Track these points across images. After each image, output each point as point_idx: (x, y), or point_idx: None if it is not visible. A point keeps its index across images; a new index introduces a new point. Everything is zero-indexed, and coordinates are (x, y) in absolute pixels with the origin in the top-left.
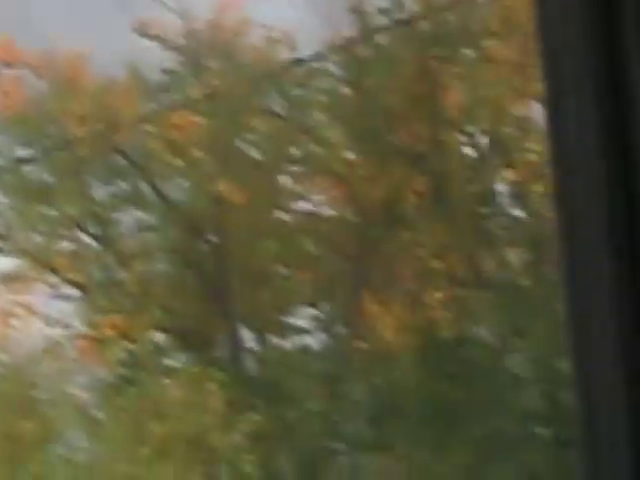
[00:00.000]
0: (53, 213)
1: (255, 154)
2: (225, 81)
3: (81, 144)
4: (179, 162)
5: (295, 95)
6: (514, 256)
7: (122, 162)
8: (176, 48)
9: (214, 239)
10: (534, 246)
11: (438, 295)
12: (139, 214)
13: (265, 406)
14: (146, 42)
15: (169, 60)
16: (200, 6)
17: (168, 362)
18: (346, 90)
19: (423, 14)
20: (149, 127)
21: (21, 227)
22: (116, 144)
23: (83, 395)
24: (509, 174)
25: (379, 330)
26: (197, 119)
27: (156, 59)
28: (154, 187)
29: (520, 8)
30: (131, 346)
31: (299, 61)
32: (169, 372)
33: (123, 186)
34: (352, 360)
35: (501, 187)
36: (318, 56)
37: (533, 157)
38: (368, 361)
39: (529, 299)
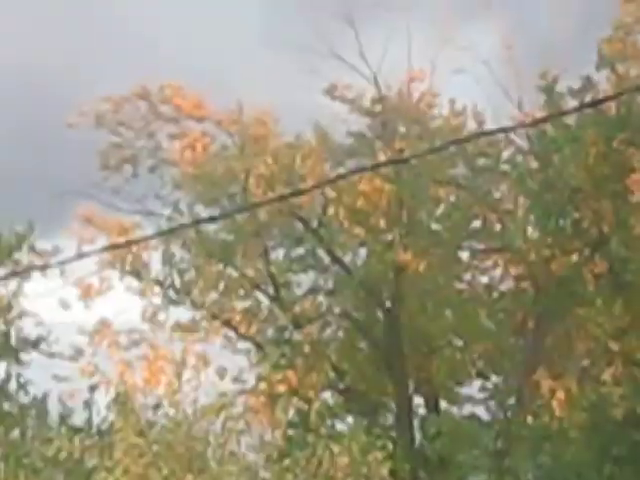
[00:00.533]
0: (232, 272)
1: (437, 225)
2: (413, 148)
3: (263, 206)
4: (360, 230)
5: (481, 165)
6: None
7: (301, 227)
8: (366, 112)
9: (390, 306)
10: None
11: (612, 373)
12: (315, 278)
13: (429, 477)
14: (335, 105)
15: (357, 124)
16: (389, 75)
17: (338, 426)
18: (533, 164)
19: (613, 96)
20: (332, 192)
21: (201, 283)
22: (296, 208)
23: (250, 454)
24: None
25: (551, 405)
26: (382, 186)
27: (344, 123)
28: (331, 253)
29: None
30: (302, 405)
31: (485, 133)
32: (338, 437)
33: (300, 251)
34: (521, 434)
35: None
36: (505, 130)
37: None
38: (537, 436)
39: None
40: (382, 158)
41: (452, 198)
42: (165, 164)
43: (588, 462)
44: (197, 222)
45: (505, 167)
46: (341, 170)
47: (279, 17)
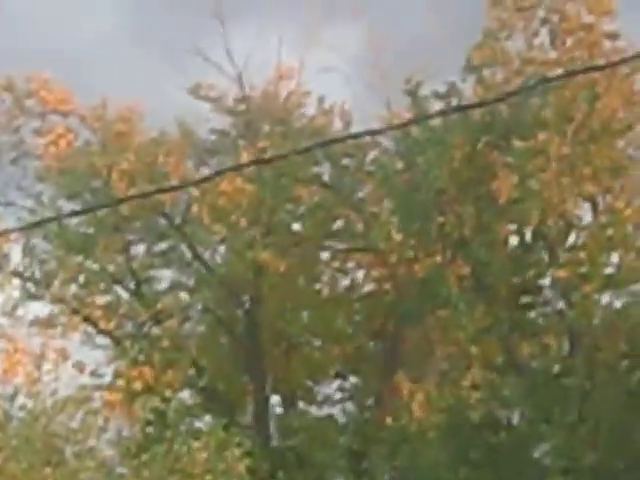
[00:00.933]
0: (93, 265)
1: (299, 224)
2: (277, 148)
3: (125, 201)
4: (221, 228)
5: (346, 165)
6: (550, 345)
7: (163, 222)
8: (228, 111)
9: (250, 304)
10: (572, 338)
11: (471, 377)
12: (177, 274)
13: (287, 476)
14: (200, 104)
15: (222, 122)
16: (256, 74)
17: (197, 424)
18: (399, 165)
19: (478, 101)
20: (195, 191)
21: (61, 275)
22: (160, 205)
23: (107, 449)
24: (553, 271)
25: (410, 408)
26: (244, 185)
27: (209, 122)
28: (193, 249)
29: (576, 101)
30: (159, 402)
31: (353, 134)
32: (196, 433)
33: (162, 246)
34: (379, 436)
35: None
36: (372, 131)
37: (580, 255)
38: (395, 438)
39: (561, 388)
40: (245, 157)
41: (315, 198)
42: (28, 157)
43: (445, 464)
44: (61, 217)
45: (370, 168)
46: (204, 168)
47: (147, 14)
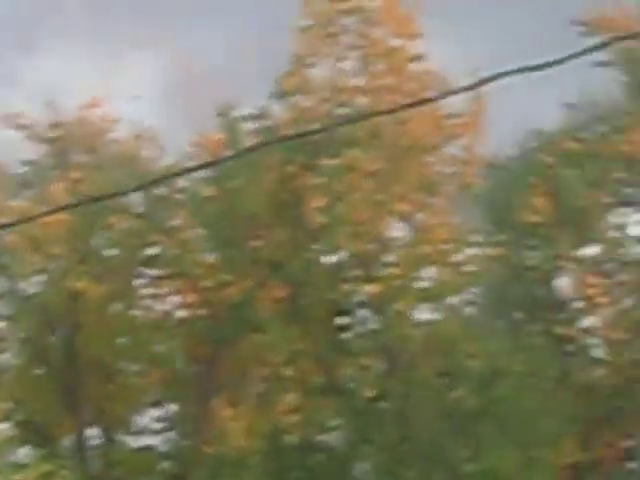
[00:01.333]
0: None
1: (112, 252)
2: (90, 178)
3: None
4: (38, 257)
5: (157, 194)
6: (368, 365)
7: None
8: (43, 139)
9: (67, 332)
10: (388, 357)
11: (288, 400)
12: None
13: None
14: (11, 133)
15: (33, 153)
16: (67, 101)
17: (15, 456)
18: (208, 191)
19: (289, 122)
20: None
21: None
22: None
23: None
24: (367, 287)
25: (229, 433)
26: (59, 215)
27: (21, 152)
28: (11, 279)
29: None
30: None
31: (164, 161)
32: (16, 466)
33: None
34: (199, 463)
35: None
36: (182, 156)
37: (392, 272)
38: (216, 463)
39: (379, 409)
40: (59, 187)
41: (127, 225)
42: None
43: None
44: None
45: (180, 196)
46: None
47: None
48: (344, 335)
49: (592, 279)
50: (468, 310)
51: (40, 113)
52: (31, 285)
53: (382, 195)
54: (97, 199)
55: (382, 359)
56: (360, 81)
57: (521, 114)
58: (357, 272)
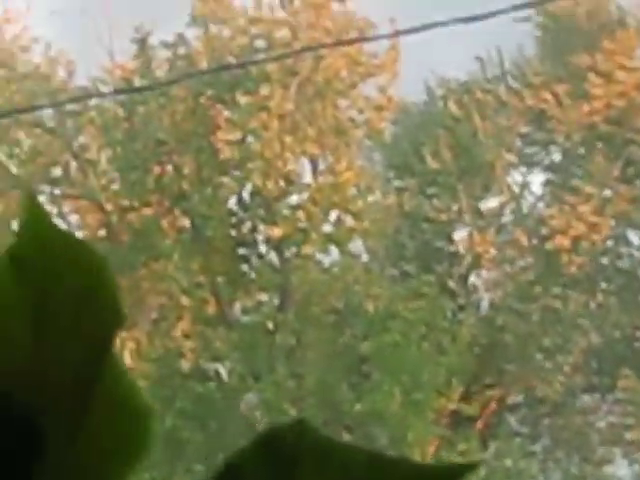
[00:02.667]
0: None
1: (15, 167)
2: (1, 92)
3: None
4: None
5: (69, 111)
6: (263, 301)
7: None
8: None
9: None
10: (283, 294)
11: (182, 328)
12: None
13: None
14: None
15: None
16: None
17: None
18: (119, 112)
19: (205, 53)
20: None
21: None
22: None
23: None
24: (270, 228)
25: (121, 355)
26: None
27: None
28: None
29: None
30: None
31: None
32: None
33: None
34: None
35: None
36: (96, 80)
37: (298, 213)
38: None
39: (271, 343)
40: None
41: (36, 141)
42: None
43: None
44: None
45: (93, 114)
46: None
47: None
48: (243, 269)
49: (486, 235)
50: (366, 256)
51: None
52: None
53: (293, 135)
54: (8, 113)
55: (278, 296)
56: (280, 14)
57: (434, 63)
58: (261, 210)
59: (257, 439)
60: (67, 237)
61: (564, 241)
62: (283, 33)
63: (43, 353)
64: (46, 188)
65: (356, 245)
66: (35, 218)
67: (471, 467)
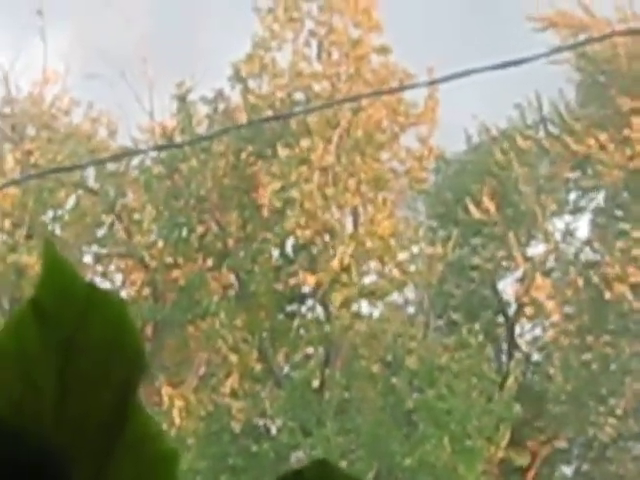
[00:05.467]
0: None
1: (60, 229)
2: (43, 151)
3: None
4: None
5: (110, 172)
6: (310, 355)
7: None
8: None
9: (10, 308)
10: (329, 348)
11: (230, 385)
12: None
13: None
14: None
15: None
16: (22, 76)
17: None
18: (161, 169)
19: (244, 108)
20: None
21: None
22: None
23: None
24: (312, 277)
25: (170, 413)
26: (11, 190)
27: None
28: None
29: (342, 110)
30: None
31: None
32: None
33: None
34: None
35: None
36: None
37: (335, 262)
38: None
39: (318, 399)
40: (10, 160)
41: (81, 201)
42: None
43: (204, 470)
44: None
45: (135, 173)
46: None
47: None
48: (289, 324)
49: (539, 281)
50: (409, 308)
51: None
52: None
53: (333, 188)
54: (49, 172)
55: (324, 349)
56: (319, 67)
57: (474, 110)
58: (303, 262)
59: (281, 479)
60: (88, 285)
61: (621, 287)
62: (323, 86)
63: (68, 401)
64: (91, 248)
65: (401, 296)
66: (55, 267)
67: None
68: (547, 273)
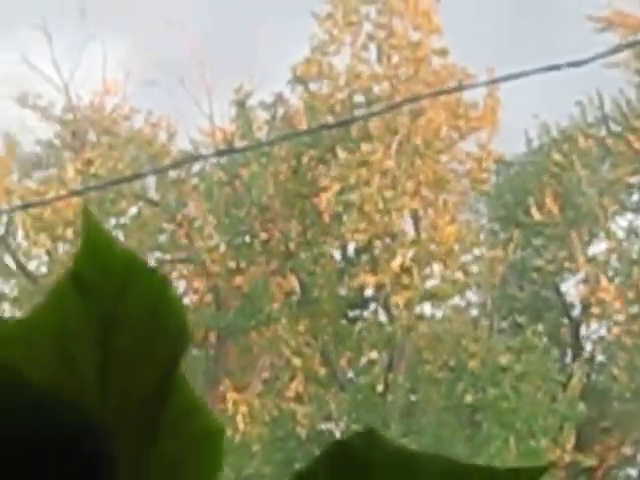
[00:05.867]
0: None
1: (122, 236)
2: (104, 158)
3: None
4: (45, 239)
5: (171, 180)
6: (374, 359)
7: None
8: (56, 121)
9: None
10: (393, 350)
11: (294, 390)
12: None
13: None
14: (25, 113)
15: (47, 133)
16: (83, 84)
17: None
18: (221, 175)
19: (304, 112)
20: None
21: None
22: None
23: None
24: (373, 278)
25: (235, 419)
26: (70, 198)
27: (32, 132)
28: (17, 261)
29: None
30: None
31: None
32: None
33: None
34: None
35: (369, 292)
36: (197, 143)
37: (396, 265)
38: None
39: (383, 402)
40: (70, 170)
41: (143, 211)
42: None
43: (269, 476)
44: None
45: (195, 180)
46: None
47: None
48: (351, 328)
49: (604, 281)
50: (472, 310)
51: (57, 96)
52: (39, 267)
53: (392, 191)
54: (109, 184)
55: (387, 352)
56: (379, 70)
57: (533, 111)
58: (365, 265)
59: (327, 449)
60: (128, 257)
61: None
62: (383, 87)
63: (110, 376)
64: (154, 254)
65: (464, 299)
66: (95, 238)
67: (543, 470)
68: (611, 273)
